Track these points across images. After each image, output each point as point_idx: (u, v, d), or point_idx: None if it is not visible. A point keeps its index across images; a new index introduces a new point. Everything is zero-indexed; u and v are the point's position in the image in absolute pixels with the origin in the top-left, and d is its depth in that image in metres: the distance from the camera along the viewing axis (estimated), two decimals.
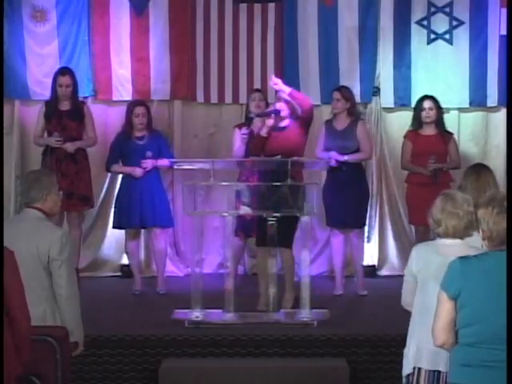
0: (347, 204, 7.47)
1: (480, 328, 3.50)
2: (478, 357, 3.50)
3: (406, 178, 7.89)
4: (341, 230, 7.68)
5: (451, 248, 4.22)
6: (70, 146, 7.65)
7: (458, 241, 4.28)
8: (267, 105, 7.71)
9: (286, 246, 6.81)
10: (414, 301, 4.38)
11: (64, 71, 7.81)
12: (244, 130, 7.45)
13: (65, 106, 7.76)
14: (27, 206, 4.76)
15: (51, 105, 7.77)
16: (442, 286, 3.64)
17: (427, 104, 7.70)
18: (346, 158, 7.46)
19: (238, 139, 7.54)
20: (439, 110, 7.73)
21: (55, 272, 4.64)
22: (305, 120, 6.91)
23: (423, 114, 7.69)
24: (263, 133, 6.80)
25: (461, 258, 3.62)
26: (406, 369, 4.39)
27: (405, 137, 7.84)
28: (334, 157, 7.40)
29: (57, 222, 6.96)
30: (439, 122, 7.73)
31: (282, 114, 6.84)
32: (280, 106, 6.85)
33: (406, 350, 4.42)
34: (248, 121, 7.53)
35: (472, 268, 3.55)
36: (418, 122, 7.74)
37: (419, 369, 4.31)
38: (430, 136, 7.69)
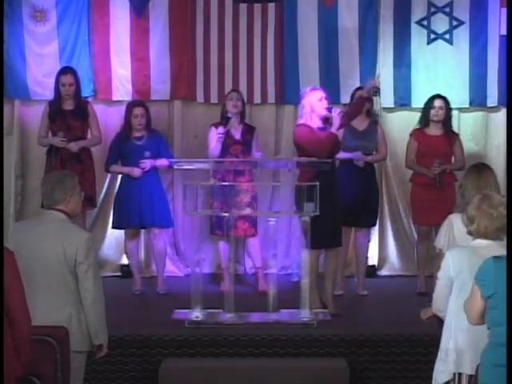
0: (359, 203, 7.49)
1: None
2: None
3: (410, 178, 7.87)
4: (346, 230, 7.66)
5: (487, 249, 4.20)
6: (74, 146, 7.65)
7: (493, 242, 4.26)
8: (244, 105, 7.73)
9: (339, 245, 6.87)
10: (450, 304, 4.35)
11: (66, 70, 7.81)
12: (220, 130, 7.47)
13: (68, 105, 7.76)
14: (49, 207, 4.72)
15: (55, 105, 7.76)
16: (477, 281, 3.66)
17: (438, 103, 7.69)
18: (369, 158, 7.52)
19: (214, 138, 7.55)
20: (448, 111, 7.73)
21: (82, 275, 4.63)
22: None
23: (432, 112, 7.67)
24: (335, 130, 6.79)
25: (494, 257, 3.63)
26: (443, 376, 4.35)
27: (411, 135, 7.82)
28: (362, 157, 7.48)
29: None
30: (446, 123, 7.72)
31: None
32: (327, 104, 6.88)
33: (442, 355, 4.38)
34: (225, 120, 7.54)
35: (505, 268, 3.56)
36: (425, 120, 7.73)
37: (460, 374, 4.28)
38: (436, 136, 7.68)
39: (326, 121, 6.80)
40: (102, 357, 4.85)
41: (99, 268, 4.88)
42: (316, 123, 6.79)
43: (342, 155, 7.47)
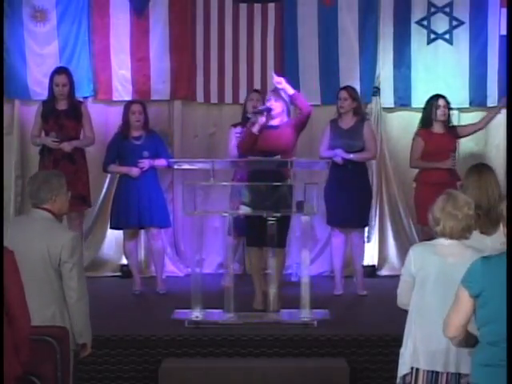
0: (350, 203, 7.49)
1: (499, 327, 3.50)
2: (499, 356, 3.50)
3: (415, 177, 7.84)
4: (342, 230, 7.68)
5: (448, 248, 4.29)
6: (66, 146, 7.63)
7: (455, 241, 4.31)
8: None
9: (281, 246, 6.80)
10: (411, 300, 4.40)
11: (60, 70, 7.80)
12: (238, 130, 7.49)
13: (62, 105, 7.75)
14: (36, 206, 4.75)
15: (48, 104, 7.76)
16: (463, 283, 3.67)
17: (442, 102, 7.70)
18: (351, 156, 7.50)
19: (233, 138, 7.57)
20: (449, 110, 7.75)
21: (66, 274, 4.64)
22: (300, 123, 6.90)
23: (439, 112, 7.67)
24: (255, 130, 6.80)
25: (483, 257, 3.65)
26: (403, 369, 4.40)
27: (416, 134, 7.80)
28: (340, 154, 7.43)
29: None
30: (447, 122, 7.74)
31: (273, 112, 6.83)
32: (271, 104, 6.85)
33: (402, 350, 4.43)
34: (245, 121, 7.56)
35: (493, 267, 3.57)
36: (429, 120, 7.73)
37: (417, 369, 4.33)
38: (441, 134, 7.69)
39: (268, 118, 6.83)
40: (87, 356, 4.80)
41: (83, 268, 4.86)
42: (271, 122, 6.87)
43: (325, 154, 7.50)
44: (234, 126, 7.72)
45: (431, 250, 4.34)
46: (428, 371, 4.30)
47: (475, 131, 7.95)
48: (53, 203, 4.72)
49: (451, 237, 4.30)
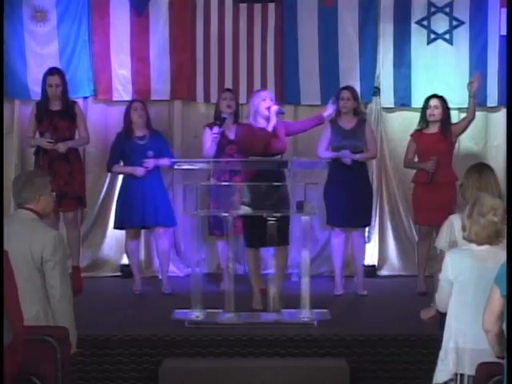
0: (351, 203, 7.49)
1: None
2: None
3: (413, 178, 7.85)
4: (342, 230, 7.68)
5: (487, 253, 4.28)
6: (61, 146, 7.61)
7: (492, 246, 4.31)
8: (237, 105, 7.73)
9: (285, 244, 6.82)
10: (450, 305, 4.39)
11: (53, 71, 7.78)
12: (215, 130, 7.47)
13: (56, 106, 7.73)
14: (20, 206, 4.79)
15: (42, 105, 7.74)
16: (496, 282, 3.77)
17: (433, 102, 7.69)
18: (358, 156, 7.52)
19: (209, 139, 7.55)
20: (446, 110, 7.72)
21: (48, 273, 4.65)
22: (293, 130, 7.20)
23: (428, 112, 7.68)
24: (270, 128, 6.80)
25: None
26: (443, 375, 4.39)
27: (410, 136, 7.82)
28: (350, 156, 7.48)
29: (53, 224, 6.97)
30: (444, 122, 7.72)
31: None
32: (271, 105, 6.85)
33: (442, 355, 4.42)
34: (219, 120, 7.54)
35: None
36: (423, 120, 7.74)
37: (461, 375, 4.31)
38: (433, 134, 7.68)
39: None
40: (73, 355, 4.79)
41: (66, 267, 4.87)
42: (261, 123, 6.85)
43: (329, 154, 7.51)
44: (209, 126, 7.66)
45: (468, 255, 4.33)
46: (473, 376, 4.26)
47: (468, 124, 7.83)
48: (36, 203, 4.75)
49: (478, 243, 4.31)
